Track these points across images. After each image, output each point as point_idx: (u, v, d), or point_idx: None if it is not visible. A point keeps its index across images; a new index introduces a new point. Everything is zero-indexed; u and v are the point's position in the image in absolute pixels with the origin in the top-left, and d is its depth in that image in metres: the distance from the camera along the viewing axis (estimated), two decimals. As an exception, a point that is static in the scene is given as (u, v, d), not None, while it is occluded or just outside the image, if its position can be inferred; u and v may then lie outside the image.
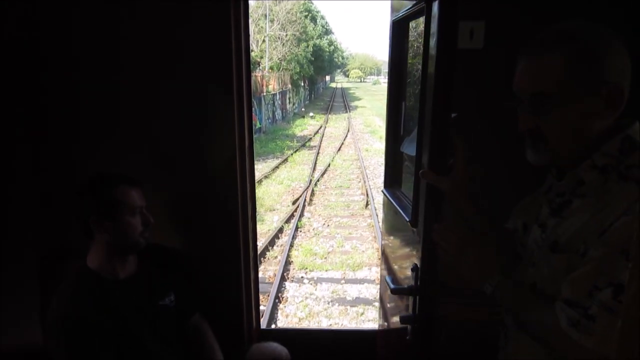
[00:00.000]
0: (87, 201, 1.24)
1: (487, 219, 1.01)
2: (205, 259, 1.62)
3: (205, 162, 1.56)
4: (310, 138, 15.11)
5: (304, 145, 12.97)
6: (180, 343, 1.38)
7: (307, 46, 26.10)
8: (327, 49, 32.22)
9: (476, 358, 1.39)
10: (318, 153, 11.54)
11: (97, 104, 1.51)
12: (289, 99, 22.97)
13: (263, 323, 3.02)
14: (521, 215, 0.98)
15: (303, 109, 26.66)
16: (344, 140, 14.79)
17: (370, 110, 25.91)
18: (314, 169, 9.85)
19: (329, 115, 25.30)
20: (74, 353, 1.18)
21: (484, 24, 1.54)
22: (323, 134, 16.47)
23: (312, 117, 22.55)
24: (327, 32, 33.26)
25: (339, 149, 12.61)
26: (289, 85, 23.54)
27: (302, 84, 29.18)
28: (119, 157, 1.52)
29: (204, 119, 1.52)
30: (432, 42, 1.08)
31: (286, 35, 22.50)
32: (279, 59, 21.83)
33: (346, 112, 28.58)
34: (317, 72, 33.32)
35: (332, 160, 10.78)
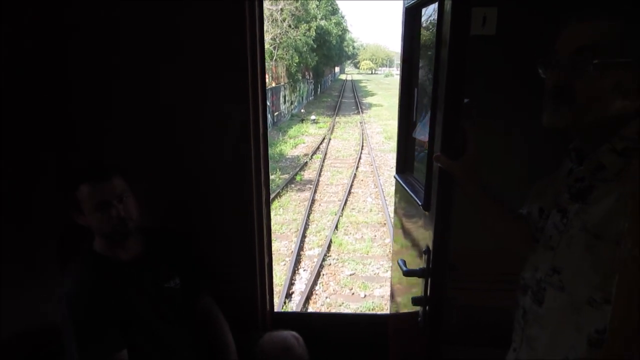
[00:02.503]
0: (62, 198, 1.46)
1: (499, 202, 1.15)
2: (220, 243, 1.85)
3: (221, 148, 1.78)
4: (306, 163, 11.41)
5: (292, 181, 9.33)
6: (188, 325, 1.57)
7: (309, 29, 22.29)
8: (335, 32, 28.97)
9: (489, 341, 1.47)
10: (312, 204, 7.65)
11: (111, 94, 1.74)
12: (284, 97, 20.05)
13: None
14: (536, 199, 1.09)
15: (303, 110, 23.37)
16: (357, 166, 10.99)
17: (388, 110, 23.28)
18: (300, 252, 5.66)
19: (336, 119, 21.61)
20: (80, 330, 1.38)
21: (497, 10, 1.64)
22: (325, 154, 12.66)
23: (314, 121, 19.64)
24: (335, 11, 30.38)
25: (349, 191, 8.57)
26: (285, 80, 20.32)
27: (304, 77, 26.34)
28: (135, 142, 1.79)
29: (219, 108, 1.76)
30: (445, 28, 1.17)
31: (279, 11, 18.96)
32: (270, 44, 18.39)
33: (358, 112, 24.53)
34: (324, 63, 30.98)
35: (338, 228, 6.48)
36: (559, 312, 0.96)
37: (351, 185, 8.89)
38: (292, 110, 21.21)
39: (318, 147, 13.18)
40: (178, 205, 1.84)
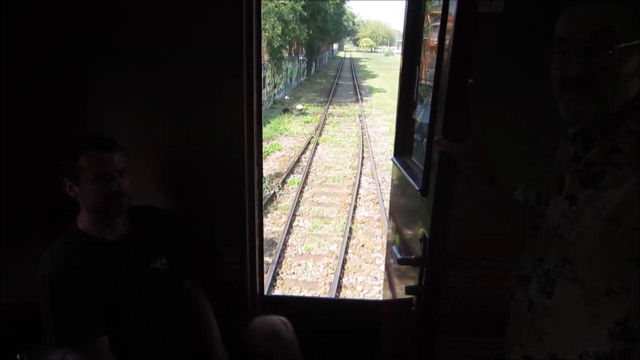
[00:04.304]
0: (60, 164, 1.58)
1: (500, 188, 1.26)
2: (210, 225, 2.03)
3: (215, 127, 1.94)
4: (273, 196, 7.44)
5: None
6: (173, 305, 1.72)
7: (300, -3, 20.30)
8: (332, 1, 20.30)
9: (484, 331, 1.57)
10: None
11: (110, 74, 1.91)
12: (264, 79, 16.61)
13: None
14: (533, 186, 1.19)
15: (287, 97, 19.74)
16: (354, 205, 7.16)
17: (392, 98, 19.47)
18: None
19: (330, 108, 17.60)
20: (59, 310, 1.48)
21: None
22: (307, 174, 8.75)
23: (300, 111, 16.25)
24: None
25: (339, 283, 4.79)
26: (265, 57, 16.65)
27: (295, 54, 22.95)
28: (131, 119, 1.95)
29: (214, 89, 1.89)
30: (451, 4, 1.22)
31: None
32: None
33: (357, 100, 20.52)
34: (319, 37, 27.69)
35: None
36: (572, 304, 1.00)
37: (344, 262, 5.34)
38: (274, 96, 19.16)
39: (298, 160, 10.18)
40: (167, 185, 2.01)
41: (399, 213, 1.96)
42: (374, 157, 10.11)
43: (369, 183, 8.45)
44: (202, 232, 1.97)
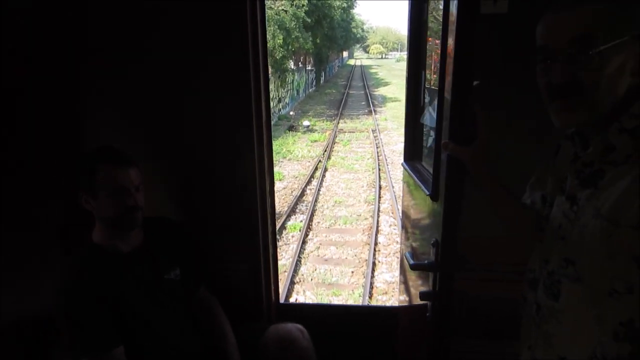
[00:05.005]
0: (75, 176, 1.67)
1: (508, 191, 1.29)
2: (225, 234, 2.10)
3: (224, 135, 2.00)
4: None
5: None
6: (188, 315, 1.79)
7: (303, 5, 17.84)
8: (338, 4, 18.57)
9: (498, 334, 1.60)
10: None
11: (118, 89, 2.00)
12: None
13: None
14: (537, 187, 1.20)
15: (292, 113, 17.75)
16: (373, 265, 5.26)
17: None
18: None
19: (340, 123, 15.86)
20: (74, 324, 1.57)
21: None
22: (312, 214, 7.04)
23: (308, 127, 14.62)
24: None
25: None
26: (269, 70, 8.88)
27: (302, 64, 21.60)
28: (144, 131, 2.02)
29: (224, 103, 1.94)
30: (453, 6, 1.24)
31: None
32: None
33: (369, 112, 18.64)
34: (327, 46, 25.79)
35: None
36: (578, 305, 1.00)
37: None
38: (279, 111, 18.23)
39: (302, 193, 8.46)
40: (181, 195, 2.08)
41: (411, 218, 2.00)
42: (393, 186, 8.40)
43: (390, 225, 6.73)
44: (215, 242, 2.06)
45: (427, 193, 1.51)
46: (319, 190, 8.59)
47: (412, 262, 1.51)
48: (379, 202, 7.70)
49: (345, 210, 7.56)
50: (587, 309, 0.94)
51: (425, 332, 1.50)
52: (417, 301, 1.54)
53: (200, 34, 1.85)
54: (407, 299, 2.00)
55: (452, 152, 1.24)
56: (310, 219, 7.13)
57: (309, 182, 9.12)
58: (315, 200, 7.97)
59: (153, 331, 1.64)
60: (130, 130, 1.97)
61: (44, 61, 1.82)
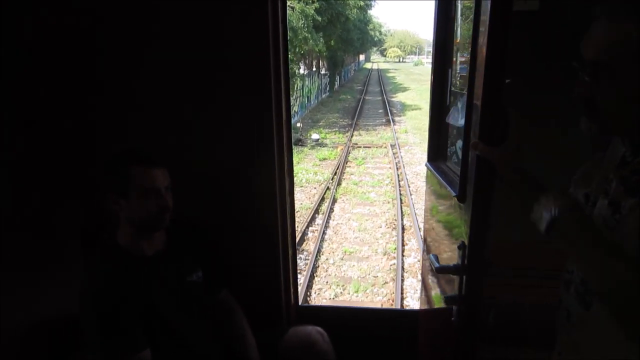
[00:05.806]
0: (105, 178, 1.69)
1: (542, 188, 1.23)
2: (244, 236, 2.12)
3: (244, 137, 2.01)
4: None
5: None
6: (208, 318, 1.82)
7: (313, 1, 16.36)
8: (352, 2, 16.50)
9: (528, 342, 1.56)
10: None
11: (135, 89, 2.01)
12: None
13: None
14: (581, 185, 1.12)
15: (300, 125, 15.83)
16: None
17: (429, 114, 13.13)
18: None
19: (354, 136, 14.14)
20: (102, 327, 1.58)
21: None
22: (313, 268, 5.40)
23: (317, 141, 13.15)
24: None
25: None
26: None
27: (316, 68, 20.51)
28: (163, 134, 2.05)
29: (244, 103, 1.96)
30: (485, 3, 1.23)
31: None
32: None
33: (387, 122, 16.73)
34: (342, 48, 24.50)
35: None
36: (609, 318, 0.97)
37: None
38: None
39: (303, 237, 6.51)
40: (201, 197, 2.07)
41: (435, 220, 1.99)
42: (420, 229, 6.21)
43: (417, 292, 4.97)
44: (235, 244, 2.08)
45: (454, 194, 1.50)
46: (323, 233, 6.70)
47: (437, 264, 1.49)
48: (402, 255, 5.82)
49: (358, 267, 5.75)
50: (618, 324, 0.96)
51: (449, 337, 1.49)
52: (440, 305, 1.59)
53: (218, 34, 1.85)
54: (428, 302, 2.00)
55: (481, 153, 1.21)
56: (309, 285, 5.29)
57: (312, 220, 7.26)
58: (318, 250, 6.14)
59: (175, 333, 1.67)
60: (148, 132, 1.97)
61: (59, 61, 1.83)
